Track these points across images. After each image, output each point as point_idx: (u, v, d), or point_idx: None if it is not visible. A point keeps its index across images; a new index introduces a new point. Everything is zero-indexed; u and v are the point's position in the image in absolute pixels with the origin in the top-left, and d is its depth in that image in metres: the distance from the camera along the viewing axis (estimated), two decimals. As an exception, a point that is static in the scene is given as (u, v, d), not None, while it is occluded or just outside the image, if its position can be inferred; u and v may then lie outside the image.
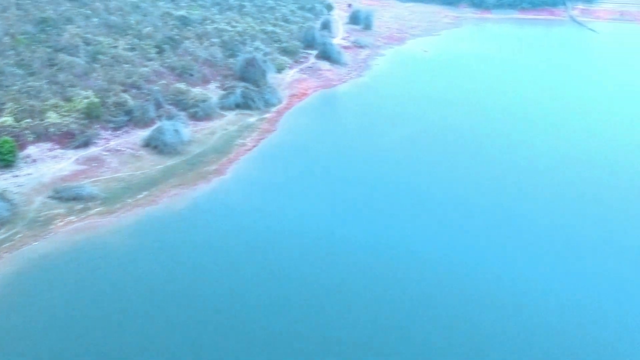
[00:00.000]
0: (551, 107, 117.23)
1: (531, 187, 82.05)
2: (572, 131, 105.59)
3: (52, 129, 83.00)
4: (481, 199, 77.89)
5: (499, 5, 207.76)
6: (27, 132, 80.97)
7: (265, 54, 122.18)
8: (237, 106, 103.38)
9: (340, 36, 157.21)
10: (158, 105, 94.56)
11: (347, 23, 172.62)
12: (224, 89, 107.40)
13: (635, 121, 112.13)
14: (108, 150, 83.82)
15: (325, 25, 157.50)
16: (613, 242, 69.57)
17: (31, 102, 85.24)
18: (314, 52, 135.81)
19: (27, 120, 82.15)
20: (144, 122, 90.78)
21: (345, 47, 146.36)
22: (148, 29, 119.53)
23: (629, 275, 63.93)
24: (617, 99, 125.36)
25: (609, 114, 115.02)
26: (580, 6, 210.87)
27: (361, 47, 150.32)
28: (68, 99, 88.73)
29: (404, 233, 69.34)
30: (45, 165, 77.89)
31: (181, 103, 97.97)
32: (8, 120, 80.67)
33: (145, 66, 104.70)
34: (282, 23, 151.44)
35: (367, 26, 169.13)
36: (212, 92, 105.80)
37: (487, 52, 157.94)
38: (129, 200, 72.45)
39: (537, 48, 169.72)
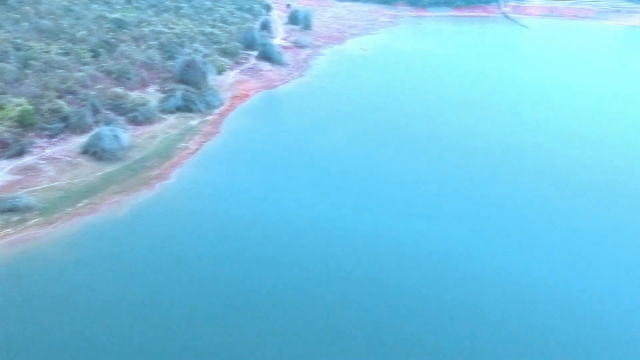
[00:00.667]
0: (487, 98, 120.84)
1: (470, 172, 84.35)
2: (507, 120, 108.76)
3: (-18, 139, 79.52)
4: (425, 187, 79.53)
5: (435, 4, 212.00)
6: (-45, 142, 77.32)
7: (205, 56, 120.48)
8: (178, 109, 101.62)
9: (280, 36, 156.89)
10: (95, 111, 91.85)
11: (287, 23, 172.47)
12: (164, 92, 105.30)
13: (564, 107, 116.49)
14: (44, 159, 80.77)
15: (265, 26, 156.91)
16: (561, 224, 72.19)
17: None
18: (255, 53, 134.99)
19: (-45, 130, 78.49)
20: (81, 129, 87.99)
21: (286, 48, 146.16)
22: (82, 33, 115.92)
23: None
24: (549, 88, 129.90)
25: (542, 102, 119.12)
26: (512, 3, 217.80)
27: (301, 47, 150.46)
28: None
29: (357, 221, 69.91)
30: (-23, 177, 74.56)
31: (119, 108, 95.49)
32: None
33: (81, 71, 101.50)
34: (221, 24, 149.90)
35: (307, 26, 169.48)
36: (152, 96, 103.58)
37: (425, 50, 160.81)
38: (68, 210, 70.07)
39: (473, 44, 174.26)
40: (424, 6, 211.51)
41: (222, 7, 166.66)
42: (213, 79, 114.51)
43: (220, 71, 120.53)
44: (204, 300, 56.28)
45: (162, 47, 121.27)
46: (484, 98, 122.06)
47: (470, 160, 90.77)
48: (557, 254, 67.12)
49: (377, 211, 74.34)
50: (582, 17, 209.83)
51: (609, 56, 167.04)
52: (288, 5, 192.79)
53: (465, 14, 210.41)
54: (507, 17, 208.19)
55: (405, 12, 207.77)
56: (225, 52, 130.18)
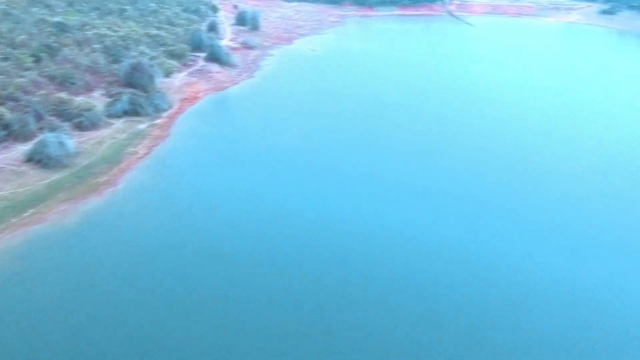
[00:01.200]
0: (434, 94, 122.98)
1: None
2: (455, 114, 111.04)
3: None
4: (372, 178, 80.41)
5: (381, 3, 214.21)
6: None
7: (152, 58, 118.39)
8: (126, 113, 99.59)
9: (228, 37, 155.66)
10: (39, 117, 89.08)
11: (234, 24, 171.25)
12: (110, 96, 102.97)
13: (514, 102, 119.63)
14: (-15, 168, 77.97)
15: (212, 27, 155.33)
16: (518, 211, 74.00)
17: None
18: (203, 55, 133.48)
19: None
20: (24, 136, 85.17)
21: (234, 49, 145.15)
22: (22, 37, 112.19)
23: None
24: (499, 84, 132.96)
25: (493, 97, 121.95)
26: (457, 2, 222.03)
27: (250, 47, 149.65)
28: None
29: (314, 218, 70.12)
30: None
31: (64, 113, 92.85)
32: None
33: (22, 77, 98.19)
34: (167, 26, 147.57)
35: (255, 27, 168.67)
36: (97, 100, 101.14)
37: (373, 49, 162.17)
38: (14, 220, 67.74)
39: (421, 43, 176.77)
40: (370, 6, 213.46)
41: (167, 8, 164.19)
42: (161, 82, 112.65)
43: (168, 74, 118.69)
44: (155, 308, 55.29)
45: (106, 50, 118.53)
46: (432, 95, 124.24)
47: (414, 154, 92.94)
48: (503, 236, 69.22)
49: (334, 205, 74.79)
50: (523, 15, 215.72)
51: (551, 51, 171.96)
52: (235, 6, 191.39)
53: (411, 12, 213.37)
54: (452, 15, 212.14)
55: (353, 11, 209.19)
56: (172, 54, 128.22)
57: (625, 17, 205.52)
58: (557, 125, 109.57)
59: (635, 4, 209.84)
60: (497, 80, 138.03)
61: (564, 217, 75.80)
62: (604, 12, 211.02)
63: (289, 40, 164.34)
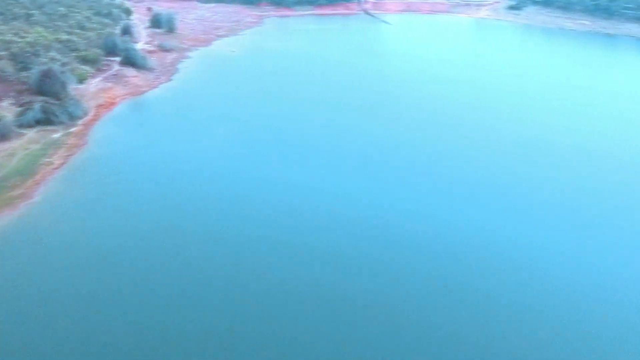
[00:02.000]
0: (356, 91, 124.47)
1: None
2: (376, 109, 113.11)
3: None
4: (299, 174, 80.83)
5: (298, 3, 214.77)
6: None
7: (63, 65, 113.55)
8: (38, 122, 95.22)
9: (143, 41, 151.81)
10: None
11: (149, 27, 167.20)
12: (20, 105, 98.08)
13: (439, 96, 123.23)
14: None
15: (126, 31, 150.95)
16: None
17: None
18: (118, 59, 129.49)
19: None
20: None
21: (150, 52, 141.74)
22: None
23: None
24: (415, 78, 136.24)
25: (411, 89, 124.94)
26: (372, 0, 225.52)
27: (167, 50, 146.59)
28: None
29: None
30: None
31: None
32: None
33: None
34: (78, 31, 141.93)
35: (171, 29, 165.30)
36: (7, 110, 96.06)
37: (292, 49, 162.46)
38: None
39: (338, 41, 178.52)
40: (288, 5, 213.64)
41: (77, 12, 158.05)
42: (74, 89, 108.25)
43: (82, 80, 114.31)
44: (71, 323, 53.33)
45: (14, 57, 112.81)
46: (353, 94, 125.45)
47: (335, 150, 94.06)
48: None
49: (258, 208, 74.51)
50: (436, 12, 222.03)
51: (464, 45, 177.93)
52: (149, 9, 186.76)
53: (329, 12, 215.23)
54: (368, 13, 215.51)
55: (270, 11, 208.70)
56: (85, 60, 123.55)
57: (530, 12, 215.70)
58: (471, 113, 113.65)
59: (539, 0, 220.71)
60: (418, 75, 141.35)
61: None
62: (511, 7, 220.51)
63: (207, 42, 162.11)
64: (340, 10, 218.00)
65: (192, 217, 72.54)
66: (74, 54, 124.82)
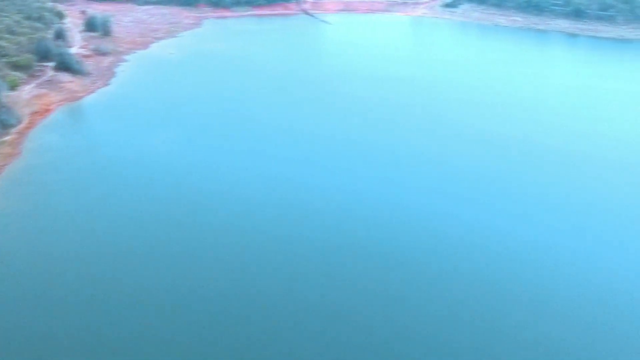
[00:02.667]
0: (296, 91, 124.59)
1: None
2: (316, 107, 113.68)
3: None
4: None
5: (237, 3, 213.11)
6: None
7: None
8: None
9: (78, 45, 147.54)
10: None
11: (84, 30, 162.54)
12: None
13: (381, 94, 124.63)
14: None
15: (60, 35, 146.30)
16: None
17: None
18: (51, 64, 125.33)
19: None
20: None
21: (86, 56, 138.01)
22: None
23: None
24: (357, 76, 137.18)
25: (351, 87, 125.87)
26: (311, 0, 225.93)
27: (103, 54, 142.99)
28: None
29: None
30: None
31: None
32: None
33: None
34: (7, 35, 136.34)
35: (106, 32, 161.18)
36: None
37: (232, 50, 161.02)
38: None
39: (278, 41, 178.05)
40: (226, 6, 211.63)
41: (6, 17, 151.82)
42: (6, 96, 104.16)
43: (13, 86, 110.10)
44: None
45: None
46: (294, 93, 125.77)
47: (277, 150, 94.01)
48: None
49: (204, 212, 73.61)
50: (374, 11, 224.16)
51: (402, 43, 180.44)
52: (83, 12, 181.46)
53: (268, 12, 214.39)
54: (307, 13, 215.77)
55: (209, 13, 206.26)
56: (16, 66, 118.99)
57: (465, 10, 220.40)
58: (411, 109, 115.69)
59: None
60: (360, 73, 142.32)
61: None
62: (447, 5, 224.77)
63: (145, 45, 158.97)
64: (279, 10, 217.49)
65: (135, 223, 71.04)
66: (4, 59, 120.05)
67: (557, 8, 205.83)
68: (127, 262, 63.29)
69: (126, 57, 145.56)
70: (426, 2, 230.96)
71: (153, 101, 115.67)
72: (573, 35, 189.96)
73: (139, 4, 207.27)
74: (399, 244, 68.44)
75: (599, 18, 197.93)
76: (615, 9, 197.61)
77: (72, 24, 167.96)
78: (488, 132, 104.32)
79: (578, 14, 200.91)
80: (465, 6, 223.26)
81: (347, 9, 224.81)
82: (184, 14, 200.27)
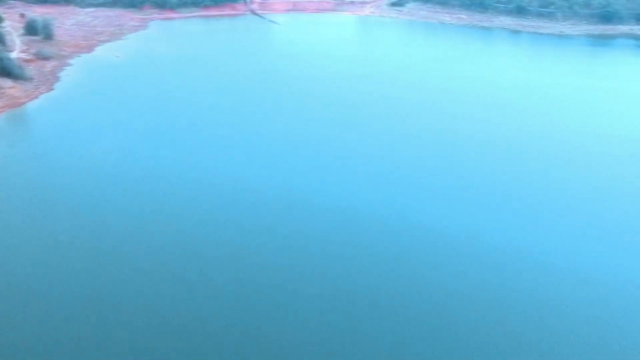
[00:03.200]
0: (246, 92, 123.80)
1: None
2: (270, 108, 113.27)
3: None
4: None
5: (183, 4, 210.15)
6: None
7: None
8: None
9: (18, 49, 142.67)
10: None
11: (24, 34, 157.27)
12: None
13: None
14: None
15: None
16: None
17: None
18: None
19: None
20: None
21: (27, 61, 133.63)
22: None
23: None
24: (307, 77, 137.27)
25: (300, 87, 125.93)
26: (258, 0, 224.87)
27: (45, 58, 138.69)
28: None
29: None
30: None
31: None
32: None
33: None
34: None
35: (48, 36, 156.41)
36: None
37: (179, 51, 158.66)
38: None
39: (227, 42, 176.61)
40: (172, 7, 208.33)
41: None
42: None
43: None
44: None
45: None
46: (245, 93, 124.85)
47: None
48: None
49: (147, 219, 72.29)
50: (322, 10, 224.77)
51: (350, 42, 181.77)
52: (22, 15, 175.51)
53: (215, 13, 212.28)
54: (255, 14, 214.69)
55: (154, 14, 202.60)
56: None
57: (412, 8, 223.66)
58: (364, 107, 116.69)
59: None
60: (310, 72, 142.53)
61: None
62: (393, 4, 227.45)
63: (89, 48, 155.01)
64: (226, 11, 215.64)
65: (79, 230, 69.21)
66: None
67: (500, 5, 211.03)
68: (75, 273, 61.50)
69: (70, 61, 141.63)
70: (373, 1, 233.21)
71: (100, 106, 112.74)
72: (516, 32, 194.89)
73: (82, 7, 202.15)
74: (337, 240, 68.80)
75: (540, 15, 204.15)
76: (555, 5, 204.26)
77: (12, 27, 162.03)
78: (438, 128, 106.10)
79: (520, 11, 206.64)
80: (411, 5, 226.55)
81: (295, 8, 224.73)
82: (129, 16, 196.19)
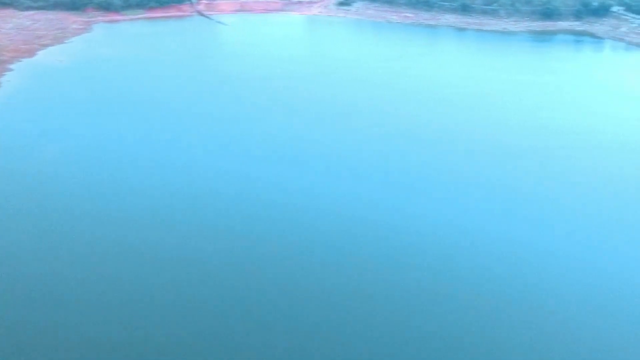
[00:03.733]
0: (194, 93, 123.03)
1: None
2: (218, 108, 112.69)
3: None
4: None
5: (127, 7, 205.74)
6: None
7: None
8: None
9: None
10: None
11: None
12: None
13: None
14: None
15: None
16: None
17: None
18: None
19: None
20: None
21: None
22: None
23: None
24: (255, 76, 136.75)
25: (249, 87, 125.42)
26: (205, 1, 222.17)
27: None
28: None
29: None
30: None
31: None
32: None
33: None
34: None
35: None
36: None
37: (125, 55, 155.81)
38: None
39: (172, 45, 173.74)
40: (116, 10, 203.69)
41: None
42: None
43: None
44: None
45: None
46: (190, 95, 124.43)
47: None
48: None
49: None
50: (270, 10, 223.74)
51: (299, 42, 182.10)
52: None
53: (161, 15, 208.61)
54: (202, 15, 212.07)
55: (98, 17, 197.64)
56: None
57: (359, 7, 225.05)
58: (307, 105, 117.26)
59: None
60: (260, 72, 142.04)
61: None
62: (341, 4, 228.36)
63: (31, 53, 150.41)
64: (173, 12, 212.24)
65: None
66: None
67: (445, 3, 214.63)
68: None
69: (11, 66, 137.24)
70: (321, 1, 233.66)
71: (44, 112, 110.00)
72: (461, 30, 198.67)
73: (21, 10, 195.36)
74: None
75: (484, 12, 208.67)
76: (498, 3, 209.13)
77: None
78: (378, 127, 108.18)
79: (465, 9, 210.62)
80: (358, 4, 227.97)
81: (243, 9, 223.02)
82: (71, 19, 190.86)
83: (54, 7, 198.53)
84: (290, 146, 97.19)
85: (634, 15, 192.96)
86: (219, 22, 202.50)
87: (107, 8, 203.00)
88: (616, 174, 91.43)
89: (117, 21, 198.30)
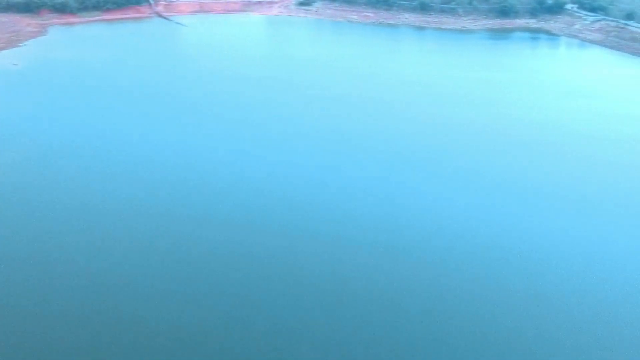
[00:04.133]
0: (151, 96, 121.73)
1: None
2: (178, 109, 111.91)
3: None
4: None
5: (84, 8, 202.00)
6: None
7: None
8: None
9: None
10: None
11: None
12: None
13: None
14: None
15: None
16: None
17: None
18: None
19: None
20: None
21: None
22: None
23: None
24: (217, 76, 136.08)
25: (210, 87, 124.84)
26: (163, 2, 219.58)
27: None
28: None
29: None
30: None
31: None
32: None
33: None
34: None
35: None
36: None
37: (81, 58, 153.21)
38: None
39: (130, 47, 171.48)
40: (72, 12, 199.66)
41: None
42: None
43: None
44: None
45: None
46: (144, 100, 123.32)
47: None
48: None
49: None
50: (230, 11, 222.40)
51: (260, 43, 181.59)
52: None
53: (118, 16, 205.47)
54: (160, 16, 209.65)
55: (53, 19, 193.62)
56: None
57: (319, 7, 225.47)
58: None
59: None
60: (216, 74, 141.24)
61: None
62: (301, 4, 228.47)
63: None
64: (131, 14, 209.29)
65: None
66: None
67: (404, 3, 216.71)
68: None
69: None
70: (281, 1, 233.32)
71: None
72: (421, 28, 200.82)
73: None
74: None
75: (443, 11, 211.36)
76: (456, 1, 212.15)
77: None
78: (330, 129, 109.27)
79: (424, 8, 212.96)
80: (318, 4, 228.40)
81: (202, 10, 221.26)
82: (25, 22, 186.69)
83: (7, 9, 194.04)
84: (239, 147, 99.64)
85: (587, 13, 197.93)
86: (178, 24, 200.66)
87: (62, 10, 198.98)
88: (567, 167, 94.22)
89: (73, 24, 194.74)
